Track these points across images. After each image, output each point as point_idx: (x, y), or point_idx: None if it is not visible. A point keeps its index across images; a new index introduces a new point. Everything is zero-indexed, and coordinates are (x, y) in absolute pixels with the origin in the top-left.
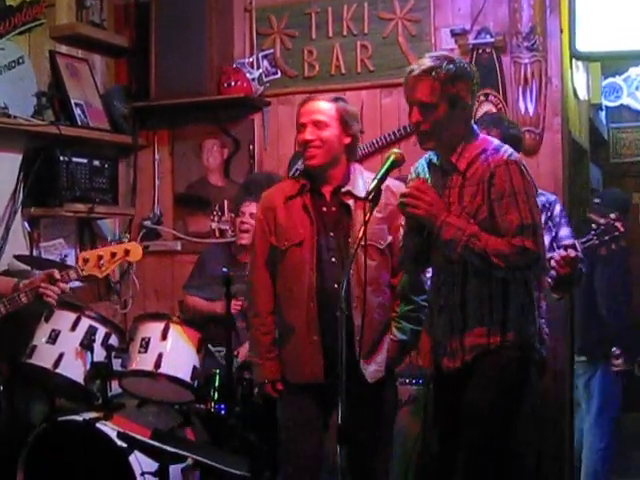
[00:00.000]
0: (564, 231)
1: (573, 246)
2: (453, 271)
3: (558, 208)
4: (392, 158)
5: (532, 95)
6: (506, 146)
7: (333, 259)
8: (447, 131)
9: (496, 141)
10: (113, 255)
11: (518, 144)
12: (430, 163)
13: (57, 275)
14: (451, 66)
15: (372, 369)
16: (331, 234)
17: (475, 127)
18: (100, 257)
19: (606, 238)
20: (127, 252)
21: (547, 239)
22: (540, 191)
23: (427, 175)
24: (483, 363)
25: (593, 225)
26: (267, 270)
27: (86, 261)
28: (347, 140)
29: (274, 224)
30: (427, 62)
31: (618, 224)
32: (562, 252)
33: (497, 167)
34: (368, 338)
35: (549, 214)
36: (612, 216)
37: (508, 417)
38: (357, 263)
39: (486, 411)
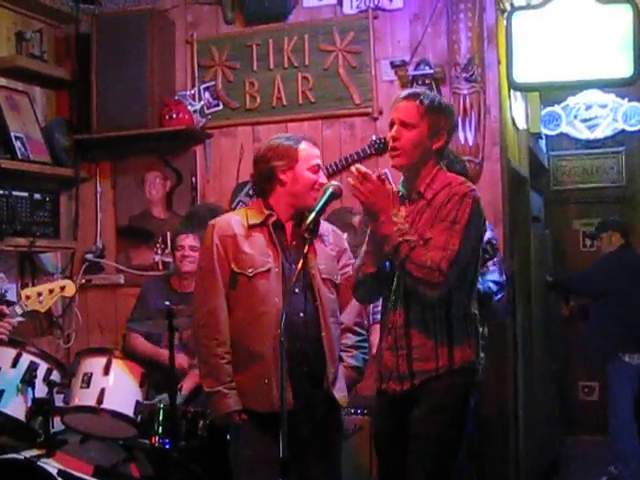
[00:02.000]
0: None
1: None
2: (397, 294)
3: (486, 235)
4: (330, 191)
5: (471, 125)
6: (470, 183)
7: (296, 289)
8: (419, 155)
9: (462, 179)
10: (51, 291)
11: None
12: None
13: (6, 310)
14: (437, 98)
15: (341, 395)
16: (293, 266)
17: (444, 167)
18: (39, 293)
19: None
20: (62, 288)
21: None
22: None
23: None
24: (430, 389)
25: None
26: (226, 297)
27: (28, 297)
28: None
29: (235, 251)
30: (417, 89)
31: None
32: None
33: (454, 195)
34: (332, 368)
35: None
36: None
37: (455, 444)
38: (320, 294)
39: (434, 440)
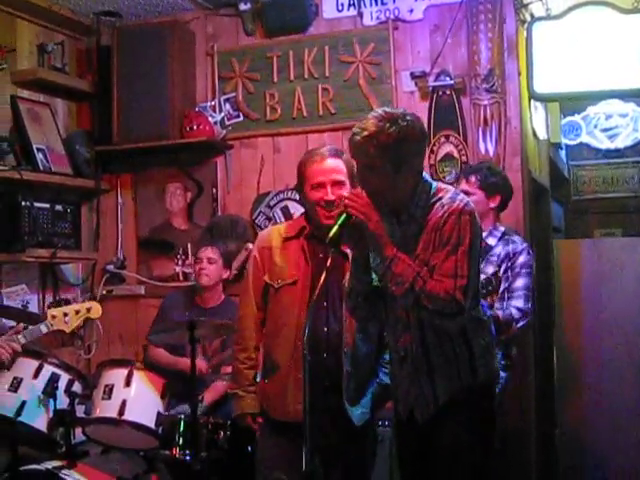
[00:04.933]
0: (519, 282)
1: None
2: (408, 320)
3: (521, 259)
4: None
5: (492, 136)
6: (462, 195)
7: (325, 303)
8: (396, 192)
9: (451, 189)
10: (77, 312)
11: (500, 191)
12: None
13: (21, 329)
14: (393, 129)
15: (358, 412)
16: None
17: (427, 177)
18: (65, 314)
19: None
20: (89, 310)
21: (502, 287)
22: (514, 238)
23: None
24: (457, 406)
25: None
26: (257, 306)
27: (54, 317)
28: None
29: (269, 262)
30: (370, 126)
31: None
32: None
33: (450, 215)
34: (355, 384)
35: (509, 264)
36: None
37: (487, 456)
38: (349, 310)
39: (463, 457)
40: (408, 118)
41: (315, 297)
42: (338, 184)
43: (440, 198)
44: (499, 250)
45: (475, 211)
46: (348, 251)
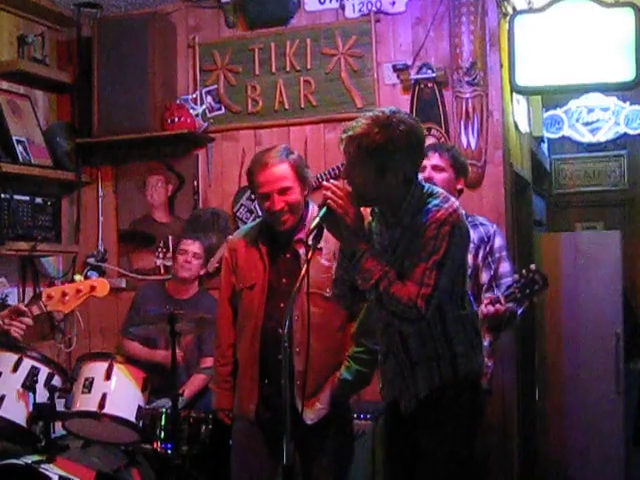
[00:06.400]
0: (504, 267)
1: (497, 300)
2: (390, 318)
3: (498, 242)
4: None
5: (474, 129)
6: (451, 201)
7: (282, 304)
8: (380, 195)
9: (442, 194)
10: (78, 291)
11: (464, 175)
12: (374, 211)
13: (23, 308)
14: (380, 135)
15: (314, 409)
16: (284, 280)
17: (420, 181)
18: (65, 293)
19: (527, 292)
20: (93, 288)
21: (486, 276)
22: (480, 220)
23: (372, 221)
24: (438, 403)
25: (516, 276)
26: (230, 306)
27: (50, 297)
28: (306, 191)
29: (236, 265)
30: (358, 126)
31: (537, 277)
32: (484, 309)
33: (432, 223)
34: (311, 382)
35: (487, 249)
36: (532, 267)
37: (470, 451)
38: (301, 309)
39: (443, 455)
40: (402, 128)
41: (295, 288)
42: (284, 191)
43: (427, 203)
44: (472, 235)
45: (460, 219)
46: (301, 251)
